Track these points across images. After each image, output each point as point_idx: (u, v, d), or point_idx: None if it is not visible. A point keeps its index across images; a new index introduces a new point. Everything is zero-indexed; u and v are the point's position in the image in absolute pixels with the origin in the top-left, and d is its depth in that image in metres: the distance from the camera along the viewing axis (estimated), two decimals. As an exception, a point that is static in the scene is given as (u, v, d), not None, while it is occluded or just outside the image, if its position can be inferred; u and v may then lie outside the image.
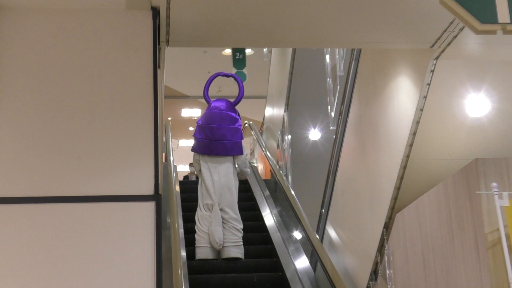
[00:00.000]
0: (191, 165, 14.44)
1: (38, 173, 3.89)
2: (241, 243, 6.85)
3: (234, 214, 6.88)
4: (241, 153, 7.03)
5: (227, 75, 7.54)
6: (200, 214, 6.89)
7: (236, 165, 7.17)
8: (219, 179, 6.92)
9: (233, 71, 12.45)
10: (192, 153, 7.20)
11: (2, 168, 3.87)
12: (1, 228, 3.78)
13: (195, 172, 7.47)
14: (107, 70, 4.13)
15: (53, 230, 3.81)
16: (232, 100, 7.26)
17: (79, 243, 3.80)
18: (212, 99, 7.27)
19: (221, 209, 6.85)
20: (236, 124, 7.05)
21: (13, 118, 3.97)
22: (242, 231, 6.92)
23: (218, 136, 6.92)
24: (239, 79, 7.49)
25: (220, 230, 6.72)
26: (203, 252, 6.77)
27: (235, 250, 6.78)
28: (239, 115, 7.22)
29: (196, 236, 6.87)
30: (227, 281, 6.50)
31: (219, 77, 7.51)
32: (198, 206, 6.98)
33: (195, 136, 7.10)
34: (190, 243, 7.04)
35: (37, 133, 3.96)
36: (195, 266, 6.69)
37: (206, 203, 6.87)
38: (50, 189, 3.86)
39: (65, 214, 3.83)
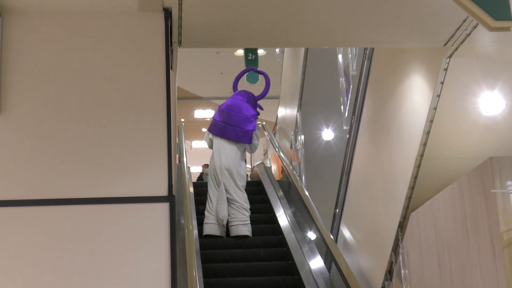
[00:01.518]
0: (205, 166, 14.52)
1: (53, 176, 3.91)
2: (249, 221, 7.44)
3: (237, 197, 7.46)
4: (250, 142, 7.68)
5: (259, 72, 8.50)
6: (210, 193, 7.55)
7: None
8: (226, 161, 7.54)
9: (246, 71, 12.47)
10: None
11: (17, 171, 3.90)
12: (18, 231, 3.81)
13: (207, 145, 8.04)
14: (119, 72, 4.15)
15: (68, 232, 3.82)
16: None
17: (93, 245, 3.81)
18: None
19: (226, 190, 7.46)
20: (251, 115, 7.73)
21: (27, 121, 3.99)
22: (249, 211, 7.53)
23: (233, 123, 7.63)
24: (267, 76, 8.28)
25: (225, 208, 7.35)
26: (208, 228, 7.37)
27: (244, 228, 7.36)
28: (261, 108, 8.03)
29: (206, 213, 7.49)
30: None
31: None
32: (209, 185, 7.63)
33: (214, 117, 7.84)
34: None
35: (51, 136, 3.98)
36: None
37: (214, 183, 7.54)
38: (65, 191, 3.88)
39: (80, 216, 3.85)
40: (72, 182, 3.90)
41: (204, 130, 20.13)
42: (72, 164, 3.94)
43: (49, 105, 4.03)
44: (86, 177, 3.92)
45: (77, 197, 3.87)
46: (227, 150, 7.62)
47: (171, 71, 4.24)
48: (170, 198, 3.92)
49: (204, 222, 7.47)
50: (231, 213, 7.42)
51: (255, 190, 9.23)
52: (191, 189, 8.29)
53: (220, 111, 7.80)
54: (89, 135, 4.00)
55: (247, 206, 7.52)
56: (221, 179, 7.48)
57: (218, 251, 7.19)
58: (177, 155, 9.18)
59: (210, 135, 7.83)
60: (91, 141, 3.99)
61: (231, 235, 7.40)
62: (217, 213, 7.35)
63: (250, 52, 12.61)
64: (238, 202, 7.44)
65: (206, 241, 7.32)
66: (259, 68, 12.53)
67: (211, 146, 7.86)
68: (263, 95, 8.07)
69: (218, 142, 7.68)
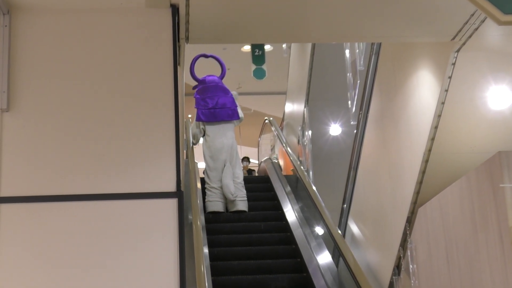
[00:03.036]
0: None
1: (61, 172, 3.94)
2: (246, 198, 7.95)
3: (239, 171, 8.11)
4: (238, 118, 8.24)
5: (206, 56, 8.71)
6: (210, 174, 7.99)
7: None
8: (228, 141, 8.06)
9: (253, 67, 12.46)
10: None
11: (26, 168, 3.93)
12: (28, 226, 3.83)
13: (192, 140, 8.49)
14: (127, 69, 4.16)
15: (77, 227, 3.86)
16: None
17: (102, 240, 3.84)
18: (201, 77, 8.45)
19: (232, 167, 7.99)
20: (230, 94, 8.29)
21: (36, 118, 4.01)
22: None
23: (220, 105, 8.10)
24: (219, 57, 8.82)
25: (232, 184, 7.85)
26: (214, 205, 7.82)
27: (242, 204, 7.88)
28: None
29: (207, 191, 7.94)
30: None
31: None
32: (206, 168, 8.08)
33: (198, 107, 8.15)
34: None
35: (60, 132, 4.00)
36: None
37: (216, 165, 7.97)
38: (73, 188, 3.91)
39: (89, 212, 3.88)
40: (81, 178, 3.93)
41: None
42: (80, 160, 3.96)
43: (57, 101, 4.05)
44: (94, 174, 3.94)
45: (86, 193, 3.90)
46: (224, 130, 8.11)
47: (178, 67, 4.25)
48: (178, 194, 3.94)
49: (207, 200, 7.89)
50: None
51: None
52: (199, 185, 8.29)
53: (201, 99, 8.17)
54: (97, 131, 4.02)
55: (243, 183, 8.09)
56: (225, 157, 7.98)
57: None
58: (184, 151, 9.19)
59: (202, 125, 8.19)
60: (99, 137, 4.01)
61: (229, 210, 7.88)
62: (226, 189, 7.76)
63: (257, 47, 12.61)
64: (239, 178, 8.01)
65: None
66: (265, 64, 12.59)
67: (199, 137, 8.31)
68: (223, 75, 8.63)
69: (213, 127, 8.12)
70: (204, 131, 8.20)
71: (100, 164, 3.96)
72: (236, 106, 8.26)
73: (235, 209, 7.84)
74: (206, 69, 9.28)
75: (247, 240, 7.31)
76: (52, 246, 3.81)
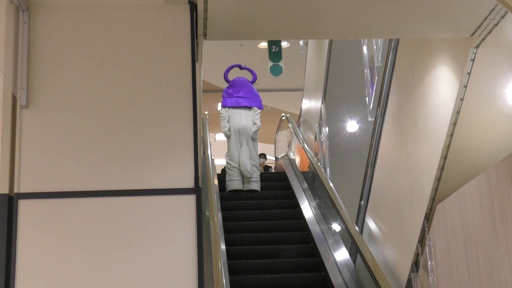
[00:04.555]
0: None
1: (81, 168, 3.96)
2: (259, 179, 9.07)
3: (255, 153, 9.13)
4: (260, 107, 9.40)
5: (241, 67, 10.22)
6: (232, 156, 9.03)
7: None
8: (247, 124, 9.19)
9: (270, 64, 12.44)
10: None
11: (46, 164, 3.95)
12: (46, 222, 3.86)
13: (224, 133, 9.39)
14: (146, 65, 4.17)
15: (94, 224, 3.88)
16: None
17: (122, 235, 3.86)
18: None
19: (248, 147, 9.04)
20: (255, 92, 9.53)
21: (55, 114, 4.04)
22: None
23: (242, 95, 9.36)
24: (252, 70, 10.11)
25: (249, 163, 8.94)
26: (234, 184, 8.92)
27: (256, 184, 8.98)
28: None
29: (228, 171, 9.04)
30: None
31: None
32: (228, 151, 9.09)
33: (224, 98, 9.42)
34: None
35: (79, 129, 4.02)
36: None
37: (236, 144, 9.07)
38: (94, 184, 3.93)
39: (107, 208, 3.90)
40: (100, 174, 3.95)
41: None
42: (99, 157, 3.98)
43: (76, 98, 4.07)
44: (113, 170, 3.97)
45: (104, 189, 3.92)
46: (243, 114, 9.25)
47: (196, 63, 4.25)
48: (196, 190, 3.95)
49: (229, 179, 8.98)
50: None
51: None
52: (216, 182, 8.32)
53: (229, 93, 9.41)
54: (115, 127, 4.04)
55: (258, 164, 9.19)
56: (243, 138, 9.11)
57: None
58: (202, 148, 9.22)
59: (226, 113, 9.31)
60: (117, 133, 4.03)
61: (244, 189, 8.92)
62: (243, 167, 8.88)
63: (274, 44, 12.58)
64: (254, 160, 9.07)
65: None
66: (282, 61, 12.56)
67: (226, 125, 9.29)
68: (253, 82, 9.80)
69: (234, 111, 9.28)
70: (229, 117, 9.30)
71: (118, 160, 3.97)
72: (260, 100, 9.48)
73: (248, 188, 8.91)
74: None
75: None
76: (70, 242, 3.84)
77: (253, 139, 9.29)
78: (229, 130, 9.23)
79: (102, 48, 4.19)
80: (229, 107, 9.38)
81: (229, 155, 9.14)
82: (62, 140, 3.98)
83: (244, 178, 8.96)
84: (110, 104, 4.07)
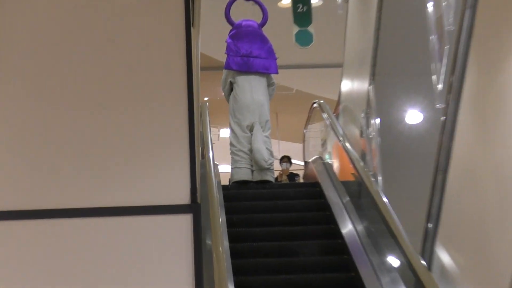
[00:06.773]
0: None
1: (49, 182, 4.14)
2: (273, 166, 9.48)
3: (268, 135, 9.45)
4: (276, 72, 9.50)
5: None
6: (240, 135, 9.35)
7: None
8: (258, 98, 9.41)
9: (295, 30, 12.46)
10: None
11: (11, 178, 4.09)
12: (5, 250, 4.07)
13: (223, 94, 9.90)
14: (125, 32, 4.25)
15: (67, 249, 4.04)
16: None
17: (98, 270, 3.99)
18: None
19: (262, 128, 9.40)
20: (269, 44, 9.60)
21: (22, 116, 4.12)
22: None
23: (256, 53, 9.34)
24: (261, 1, 10.13)
25: (265, 149, 9.28)
26: (243, 173, 9.29)
27: (269, 173, 9.39)
28: None
29: (234, 157, 9.36)
30: None
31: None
32: (233, 128, 9.43)
33: (228, 53, 9.47)
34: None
35: (41, 128, 4.10)
36: None
37: (246, 124, 9.33)
38: (64, 200, 4.03)
39: (84, 232, 4.08)
40: (64, 188, 4.08)
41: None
42: (61, 166, 4.14)
43: (31, 79, 4.16)
44: (83, 181, 4.11)
45: (79, 207, 4.02)
46: (256, 86, 9.44)
47: (192, 29, 4.24)
48: (193, 208, 3.98)
49: (235, 166, 9.36)
50: None
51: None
52: (220, 196, 8.30)
53: (234, 44, 9.49)
54: (79, 121, 4.10)
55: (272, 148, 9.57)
56: (254, 116, 9.35)
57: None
58: (200, 148, 9.23)
59: (231, 75, 9.55)
60: (83, 130, 4.12)
61: (254, 179, 9.34)
62: (258, 155, 9.15)
63: (300, 2, 12.61)
64: (267, 143, 9.38)
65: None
66: (312, 26, 12.60)
67: (229, 90, 9.66)
68: (264, 21, 10.00)
69: (244, 77, 9.41)
70: (232, 84, 9.59)
71: (98, 170, 4.12)
72: (275, 58, 9.54)
73: (259, 178, 9.31)
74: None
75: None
76: (41, 269, 4.01)
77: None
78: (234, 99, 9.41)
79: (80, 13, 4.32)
80: (235, 71, 9.44)
81: (234, 135, 9.40)
82: (34, 150, 4.15)
83: (255, 166, 9.20)
84: (75, 86, 4.15)
